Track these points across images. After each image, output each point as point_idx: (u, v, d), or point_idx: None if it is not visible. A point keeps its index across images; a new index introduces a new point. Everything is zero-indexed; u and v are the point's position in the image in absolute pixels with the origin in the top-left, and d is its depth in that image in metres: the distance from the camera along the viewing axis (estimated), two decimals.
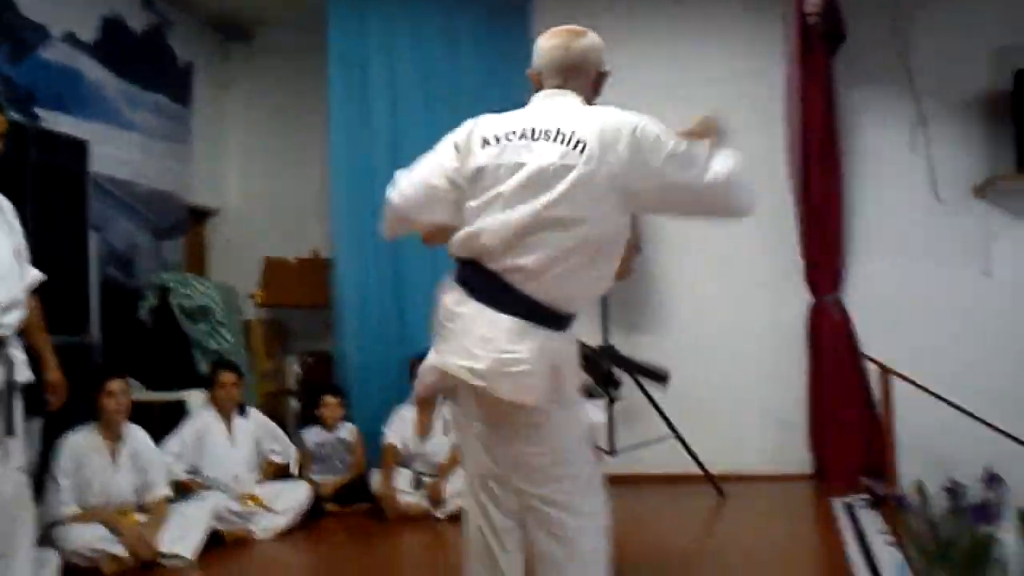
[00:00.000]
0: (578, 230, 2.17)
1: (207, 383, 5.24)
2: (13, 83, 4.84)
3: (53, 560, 3.93)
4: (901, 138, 6.06)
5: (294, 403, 6.55)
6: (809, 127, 5.89)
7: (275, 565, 4.61)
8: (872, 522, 4.66)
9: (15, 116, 4.26)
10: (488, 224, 2.20)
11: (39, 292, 3.44)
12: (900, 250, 6.01)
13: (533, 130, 2.26)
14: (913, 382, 5.22)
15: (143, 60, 6.08)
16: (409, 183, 2.40)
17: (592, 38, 2.43)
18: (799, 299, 6.05)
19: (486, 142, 2.30)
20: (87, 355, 5.08)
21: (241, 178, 7.18)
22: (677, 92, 6.31)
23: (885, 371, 5.35)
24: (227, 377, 5.10)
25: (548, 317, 2.20)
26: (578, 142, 2.19)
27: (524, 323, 2.16)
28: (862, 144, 6.14)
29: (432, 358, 2.34)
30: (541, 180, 2.18)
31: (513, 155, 2.24)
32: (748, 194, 2.39)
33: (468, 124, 2.39)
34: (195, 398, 5.40)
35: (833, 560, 4.10)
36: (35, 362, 3.41)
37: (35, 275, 3.40)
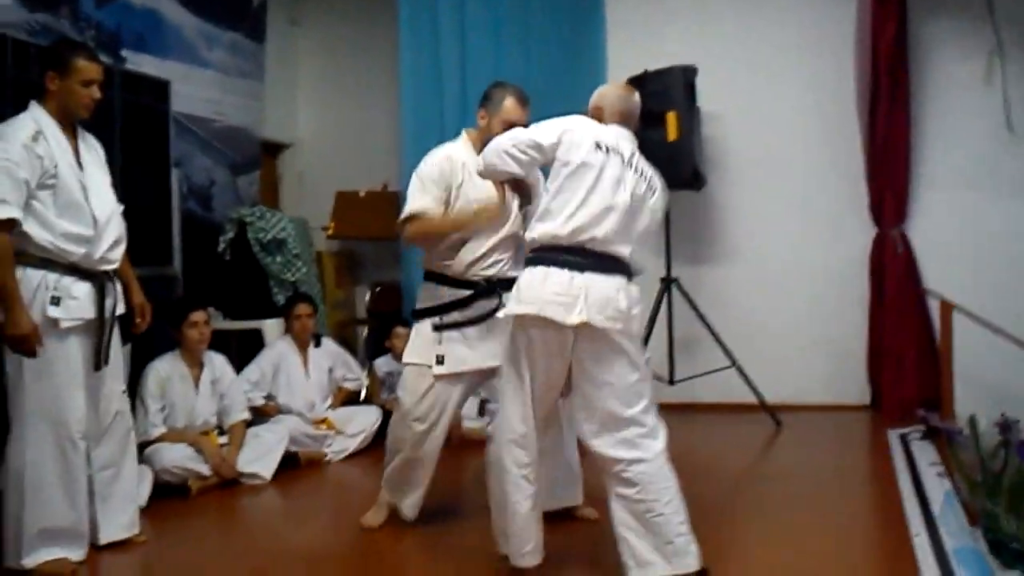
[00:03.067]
0: (641, 232, 3.10)
1: (283, 313, 5.50)
2: (101, 27, 5.06)
3: (148, 476, 4.26)
4: (975, 69, 5.94)
5: (363, 331, 6.82)
6: (879, 58, 5.82)
7: (347, 484, 4.88)
8: (925, 453, 4.74)
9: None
10: (606, 226, 2.98)
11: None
12: (967, 183, 5.94)
13: (626, 157, 3.06)
14: (975, 316, 5.23)
15: None
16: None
17: (638, 98, 3.26)
18: (863, 231, 6.06)
19: (598, 146, 3.02)
20: (170, 286, 5.38)
21: (313, 113, 7.37)
22: (746, 26, 6.31)
23: (947, 305, 5.36)
24: (303, 309, 5.33)
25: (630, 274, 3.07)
26: (648, 178, 3.11)
27: (625, 279, 3.01)
28: (933, 75, 6.03)
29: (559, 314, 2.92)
30: (636, 201, 3.05)
31: (617, 172, 3.02)
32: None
33: (576, 123, 3.11)
34: (271, 327, 5.68)
35: (883, 488, 4.21)
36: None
37: (120, 207, 3.59)
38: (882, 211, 5.99)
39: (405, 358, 3.75)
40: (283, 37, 7.12)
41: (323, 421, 5.27)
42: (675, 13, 6.40)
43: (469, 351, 3.60)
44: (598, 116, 3.19)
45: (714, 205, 6.34)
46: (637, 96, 3.25)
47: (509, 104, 3.63)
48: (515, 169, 3.18)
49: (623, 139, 3.13)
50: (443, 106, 6.20)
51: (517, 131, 3.23)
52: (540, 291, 2.94)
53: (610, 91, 3.26)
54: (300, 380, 5.29)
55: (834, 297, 6.18)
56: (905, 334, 5.85)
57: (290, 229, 5.88)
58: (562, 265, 2.95)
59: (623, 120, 3.18)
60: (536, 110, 6.27)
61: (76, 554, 3.41)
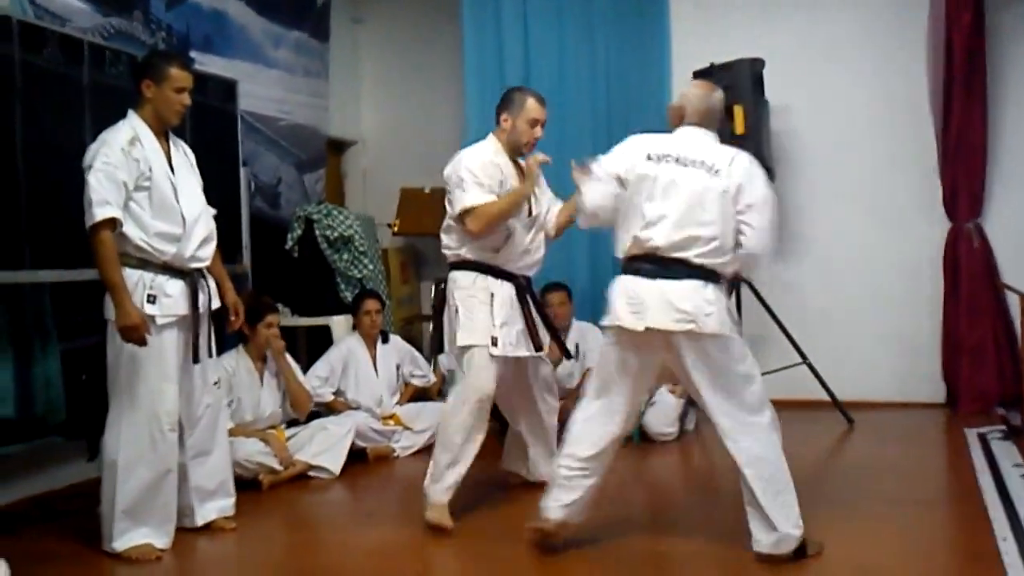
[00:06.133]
0: (714, 228, 3.14)
1: (350, 309, 5.54)
2: (171, 29, 5.15)
3: None
4: None
5: (429, 327, 6.83)
6: (954, 47, 5.66)
7: (414, 480, 4.85)
8: (1007, 453, 4.61)
9: None
10: (661, 234, 3.14)
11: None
12: None
13: (682, 157, 3.18)
14: None
15: None
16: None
17: (720, 94, 3.37)
18: (936, 225, 5.92)
19: (649, 157, 3.20)
20: (240, 284, 5.43)
21: (377, 110, 7.40)
22: (815, 15, 6.19)
23: None
24: (371, 304, 5.37)
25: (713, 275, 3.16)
26: (715, 168, 3.15)
27: (700, 282, 3.13)
28: (1011, 63, 5.87)
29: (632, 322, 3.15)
30: (695, 199, 3.13)
31: (669, 175, 3.16)
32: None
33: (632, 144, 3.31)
34: (339, 323, 5.73)
35: (964, 489, 4.10)
36: None
37: (212, 211, 3.79)
38: (956, 204, 5.84)
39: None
40: (347, 35, 7.17)
41: (391, 417, 5.30)
42: (741, 4, 6.30)
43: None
44: (679, 116, 3.32)
45: (783, 199, 6.11)
46: (718, 94, 3.35)
47: (531, 103, 3.85)
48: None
49: (686, 140, 3.25)
50: None
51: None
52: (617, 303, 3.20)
53: (691, 91, 3.37)
54: (369, 376, 5.32)
55: (907, 293, 6.04)
56: (982, 330, 5.71)
57: (356, 226, 5.92)
58: (633, 273, 3.19)
59: (702, 120, 3.30)
60: (601, 104, 6.32)
61: (162, 541, 3.55)
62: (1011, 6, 5.83)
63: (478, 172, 3.77)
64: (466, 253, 3.86)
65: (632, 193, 3.21)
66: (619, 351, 3.25)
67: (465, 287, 3.83)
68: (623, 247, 3.26)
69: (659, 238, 3.14)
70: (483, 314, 3.77)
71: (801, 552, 3.15)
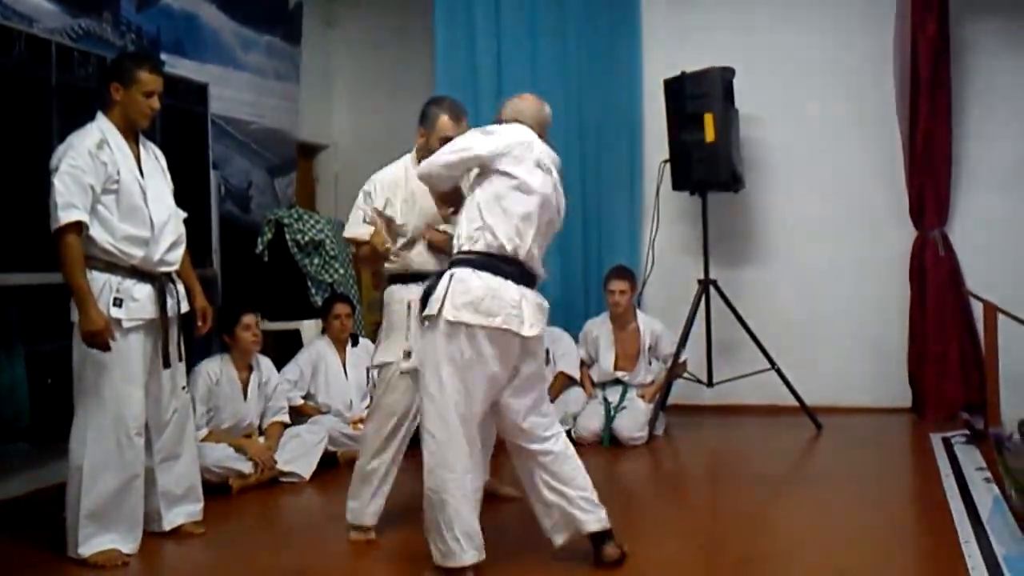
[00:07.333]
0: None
1: (321, 313, 5.52)
2: (141, 31, 5.11)
3: None
4: (1018, 67, 5.88)
5: None
6: (919, 57, 5.74)
7: None
8: (970, 458, 4.68)
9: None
10: (531, 242, 3.15)
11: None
12: (1010, 184, 5.87)
13: (550, 171, 3.25)
14: (1020, 320, 5.15)
15: (256, 2, 6.28)
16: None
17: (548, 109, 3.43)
18: (903, 233, 5.99)
19: (537, 166, 3.18)
20: (209, 288, 5.38)
21: (348, 114, 7.39)
22: (784, 26, 6.26)
23: (990, 307, 5.28)
24: (341, 308, 5.36)
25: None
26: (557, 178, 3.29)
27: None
28: (975, 75, 5.97)
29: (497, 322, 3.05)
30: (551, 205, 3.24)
31: (546, 190, 3.19)
32: None
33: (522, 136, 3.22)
34: (309, 328, 5.70)
35: (928, 493, 4.15)
36: None
37: (182, 214, 3.76)
38: (923, 212, 5.92)
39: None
40: (319, 39, 7.15)
41: (361, 421, 5.27)
42: (711, 14, 6.36)
43: None
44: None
45: (752, 207, 6.29)
46: (548, 108, 3.42)
47: (443, 121, 3.62)
48: (450, 184, 3.30)
49: (547, 154, 3.27)
50: (479, 107, 6.18)
51: (456, 140, 3.27)
52: (499, 303, 3.05)
53: (526, 105, 3.37)
54: (338, 380, 5.31)
55: (874, 299, 6.11)
56: (947, 337, 5.79)
57: (327, 230, 5.90)
58: (506, 276, 3.08)
59: (541, 132, 3.33)
60: (572, 110, 6.35)
61: (128, 546, 3.52)
62: (975, 18, 5.93)
63: (373, 195, 3.76)
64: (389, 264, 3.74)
65: (510, 192, 3.21)
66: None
67: (387, 301, 3.72)
68: (491, 243, 3.20)
69: (532, 248, 3.21)
70: (399, 327, 3.61)
71: None
